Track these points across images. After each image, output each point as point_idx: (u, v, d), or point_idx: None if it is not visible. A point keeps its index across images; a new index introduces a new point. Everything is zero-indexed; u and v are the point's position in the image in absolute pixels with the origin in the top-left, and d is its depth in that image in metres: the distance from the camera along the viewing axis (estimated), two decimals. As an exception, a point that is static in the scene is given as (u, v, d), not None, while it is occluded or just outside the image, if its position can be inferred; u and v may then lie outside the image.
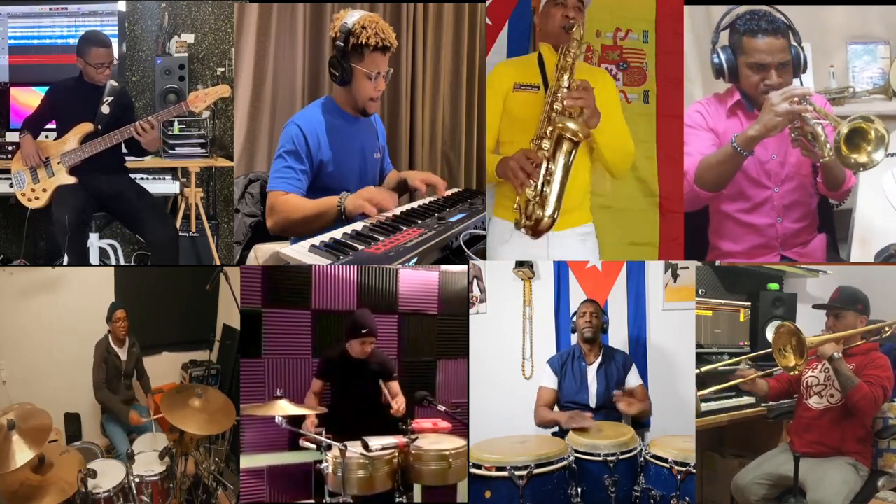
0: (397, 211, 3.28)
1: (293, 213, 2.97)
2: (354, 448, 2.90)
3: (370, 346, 3.39)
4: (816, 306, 3.31)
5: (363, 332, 3.36)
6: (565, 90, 2.84)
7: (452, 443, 3.13)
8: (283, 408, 2.92)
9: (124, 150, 3.88)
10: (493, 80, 3.07)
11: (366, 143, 3.29)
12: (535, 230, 2.85)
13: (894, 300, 3.26)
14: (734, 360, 3.51)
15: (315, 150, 3.05)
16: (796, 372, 3.01)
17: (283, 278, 3.59)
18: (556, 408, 3.50)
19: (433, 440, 3.16)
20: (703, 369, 3.43)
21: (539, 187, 2.81)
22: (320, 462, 2.99)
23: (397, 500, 2.99)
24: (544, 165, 2.82)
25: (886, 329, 3.11)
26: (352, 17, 2.98)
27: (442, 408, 3.22)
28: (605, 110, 2.90)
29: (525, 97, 2.99)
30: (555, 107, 2.85)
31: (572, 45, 2.87)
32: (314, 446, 3.00)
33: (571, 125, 2.77)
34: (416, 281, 3.95)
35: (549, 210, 2.81)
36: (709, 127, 3.28)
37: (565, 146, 2.79)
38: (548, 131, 2.84)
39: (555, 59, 2.95)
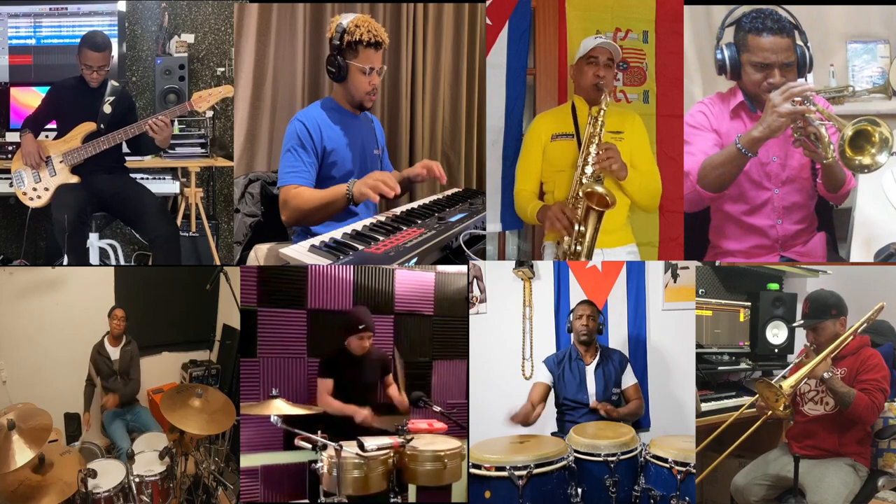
0: (397, 211, 3.29)
1: (305, 203, 3.09)
2: (350, 448, 2.90)
3: (368, 342, 3.41)
4: (792, 327, 3.27)
5: (360, 328, 3.38)
6: (594, 156, 3.12)
7: (448, 444, 3.12)
8: (279, 407, 2.93)
9: (125, 149, 3.88)
10: (533, 132, 3.38)
11: (365, 137, 3.41)
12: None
13: (894, 300, 3.25)
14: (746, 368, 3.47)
15: (318, 141, 3.19)
16: (790, 412, 2.99)
17: (278, 278, 3.59)
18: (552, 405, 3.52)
19: (428, 441, 3.16)
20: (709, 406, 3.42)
21: (573, 247, 3.13)
22: (315, 462, 2.99)
23: (392, 500, 2.99)
24: (577, 227, 3.12)
25: (872, 317, 3.01)
26: (346, 18, 3.19)
27: (437, 408, 3.23)
28: (635, 152, 3.27)
29: (562, 145, 3.29)
30: (585, 170, 3.13)
31: (600, 116, 3.14)
32: (309, 446, 3.00)
33: (599, 189, 3.06)
34: (412, 281, 3.94)
35: (581, 259, 3.16)
36: (712, 128, 3.28)
37: (592, 217, 3.10)
38: (579, 193, 3.11)
39: (586, 109, 3.24)
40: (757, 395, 3.04)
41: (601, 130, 3.13)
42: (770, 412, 3.01)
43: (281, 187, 3.16)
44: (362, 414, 3.26)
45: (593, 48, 3.20)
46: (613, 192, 3.09)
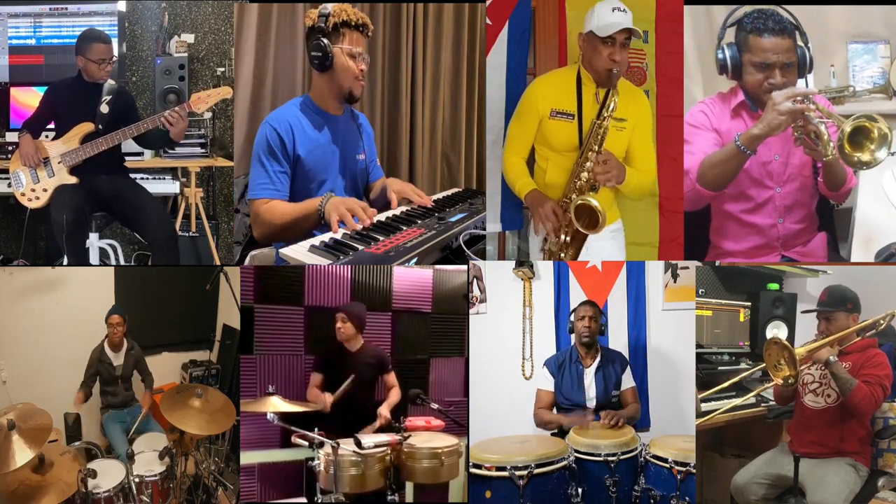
0: (397, 211, 3.28)
1: (277, 219, 2.95)
2: (347, 445, 2.90)
3: (343, 325, 3.41)
4: (806, 311, 3.30)
5: (336, 313, 3.41)
6: (591, 164, 3.05)
7: (445, 441, 3.12)
8: (275, 404, 2.92)
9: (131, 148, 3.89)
10: (531, 98, 3.23)
11: (345, 140, 3.21)
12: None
13: (895, 300, 3.25)
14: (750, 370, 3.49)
15: (290, 147, 3.00)
16: (792, 382, 2.99)
17: (276, 275, 3.59)
18: (554, 408, 3.51)
19: (426, 438, 3.16)
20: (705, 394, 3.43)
21: (558, 252, 3.10)
22: (312, 459, 2.99)
23: (389, 498, 2.99)
24: (562, 236, 3.08)
25: (881, 322, 3.08)
26: (328, 5, 2.98)
27: (435, 406, 3.23)
28: (636, 144, 3.21)
29: (560, 125, 3.16)
30: (581, 175, 3.06)
31: (603, 124, 3.02)
32: (306, 443, 2.99)
33: (593, 202, 2.97)
34: (411, 279, 3.94)
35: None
36: (712, 127, 3.27)
37: (579, 237, 3.06)
38: (572, 198, 3.05)
39: (593, 89, 3.14)
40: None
41: (603, 137, 3.04)
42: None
43: (252, 200, 2.99)
44: (324, 402, 3.24)
45: (617, 31, 2.97)
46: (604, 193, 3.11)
